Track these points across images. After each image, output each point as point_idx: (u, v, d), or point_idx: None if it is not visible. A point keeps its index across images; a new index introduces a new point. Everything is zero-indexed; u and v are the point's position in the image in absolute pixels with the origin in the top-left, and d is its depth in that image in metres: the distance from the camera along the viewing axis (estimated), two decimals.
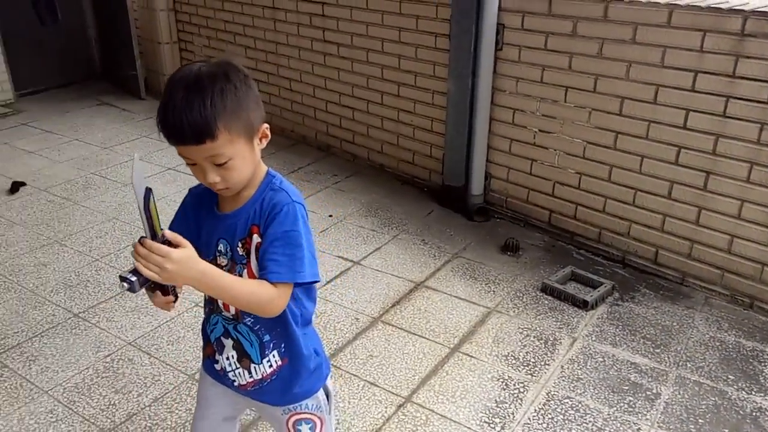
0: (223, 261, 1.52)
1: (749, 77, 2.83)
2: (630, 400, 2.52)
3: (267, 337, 1.57)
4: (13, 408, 2.50)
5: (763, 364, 2.72)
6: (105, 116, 5.72)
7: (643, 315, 3.03)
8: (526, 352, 2.78)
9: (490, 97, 3.62)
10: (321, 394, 1.68)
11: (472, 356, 2.76)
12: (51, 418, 2.45)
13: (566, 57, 3.32)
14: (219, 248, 1.52)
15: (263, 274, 1.43)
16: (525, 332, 2.91)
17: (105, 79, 6.67)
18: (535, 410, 2.47)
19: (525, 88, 3.52)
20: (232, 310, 1.56)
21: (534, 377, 2.64)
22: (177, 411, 2.48)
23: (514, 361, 2.73)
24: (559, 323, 2.96)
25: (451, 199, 3.93)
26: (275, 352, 1.58)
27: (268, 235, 1.44)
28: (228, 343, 1.60)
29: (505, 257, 3.48)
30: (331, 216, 3.91)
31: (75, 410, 2.49)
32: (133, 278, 1.30)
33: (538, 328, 2.93)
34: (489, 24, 3.44)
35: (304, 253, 1.43)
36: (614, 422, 2.42)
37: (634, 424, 2.41)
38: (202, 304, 3.01)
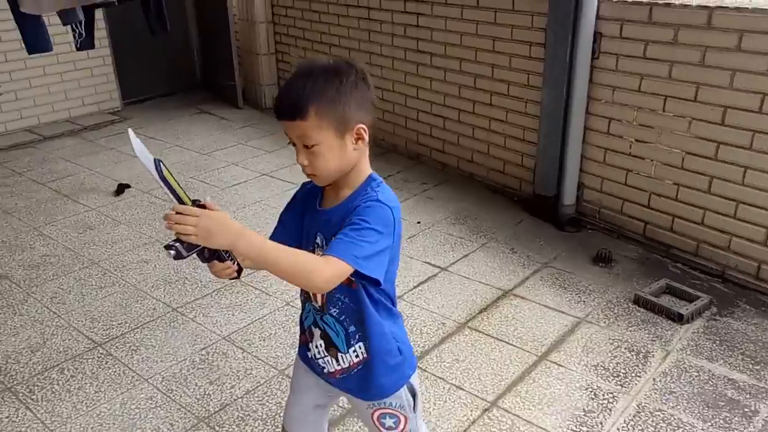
0: (319, 253, 1.56)
1: None
2: (726, 416, 2.43)
3: (352, 329, 1.61)
4: (117, 393, 2.63)
5: None
6: (204, 124, 5.98)
7: (742, 331, 2.91)
8: (617, 363, 2.72)
9: (585, 106, 3.59)
10: (404, 392, 1.69)
11: (560, 365, 2.72)
12: (150, 404, 2.57)
13: (666, 65, 3.25)
14: (317, 241, 1.59)
15: (331, 250, 1.44)
16: (616, 343, 2.85)
17: (205, 88, 6.98)
18: (625, 421, 2.42)
19: (622, 97, 3.47)
20: (318, 301, 1.62)
21: (624, 388, 2.58)
22: (268, 404, 2.56)
23: (603, 372, 2.68)
24: (651, 336, 2.89)
25: (542, 208, 3.90)
26: (361, 344, 1.63)
27: (345, 227, 1.46)
28: (316, 332, 1.66)
29: (596, 268, 3.42)
30: (419, 223, 3.95)
31: (172, 398, 2.60)
32: (177, 244, 1.35)
33: (629, 340, 2.87)
34: (586, 33, 3.42)
35: (369, 246, 1.44)
36: None
37: None
38: (294, 303, 3.12)
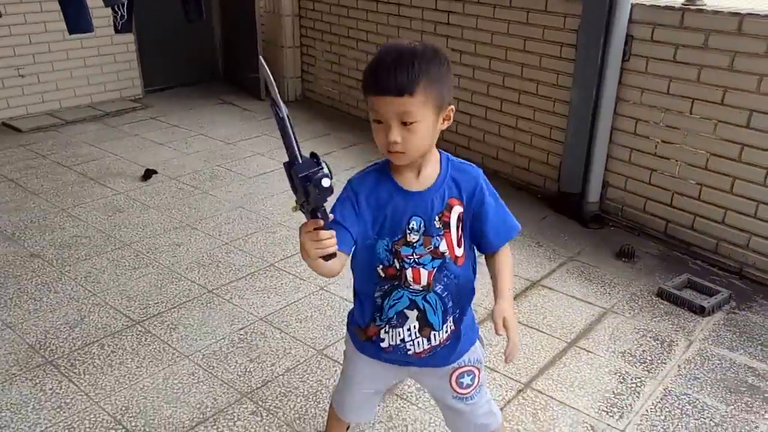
0: (414, 237, 1.62)
1: None
2: (748, 401, 2.55)
3: (450, 303, 1.69)
4: (158, 368, 2.71)
5: None
6: (227, 114, 6.07)
7: (760, 324, 3.03)
8: (643, 351, 2.83)
9: (613, 106, 3.69)
10: (478, 345, 1.83)
11: (589, 351, 2.83)
12: (193, 379, 2.65)
13: (695, 69, 3.36)
14: (411, 225, 1.62)
15: (500, 240, 1.70)
16: (641, 332, 2.96)
17: (226, 80, 7.06)
18: (653, 404, 2.53)
19: (650, 98, 3.58)
20: (423, 281, 1.66)
21: (651, 374, 2.69)
22: (308, 381, 2.65)
23: (630, 358, 2.78)
24: (675, 326, 3.00)
25: (567, 205, 4.01)
26: (451, 318, 1.72)
27: (486, 209, 1.66)
28: (412, 314, 1.69)
29: (620, 263, 3.54)
30: None
31: (214, 374, 2.68)
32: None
33: (654, 330, 2.98)
34: (618, 35, 3.52)
35: (508, 212, 1.72)
36: (732, 419, 2.45)
37: (752, 422, 2.44)
38: (327, 288, 3.21)
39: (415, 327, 1.71)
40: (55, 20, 5.25)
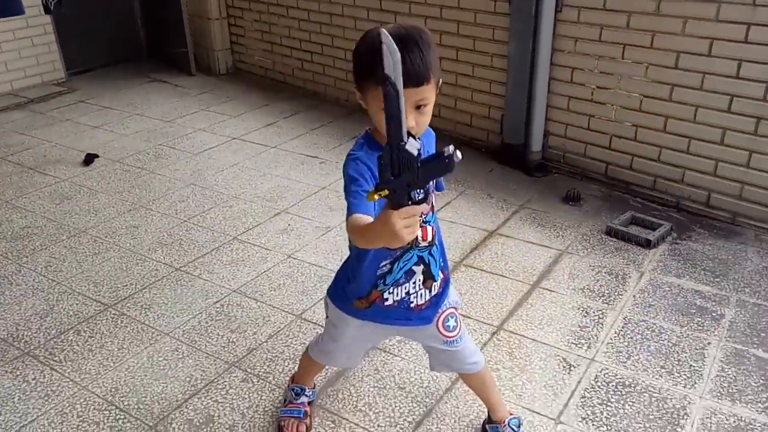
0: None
1: None
2: (698, 321, 2.80)
3: (441, 250, 1.88)
4: (140, 348, 2.74)
5: None
6: (160, 92, 5.97)
7: (701, 251, 3.30)
8: (600, 285, 3.05)
9: (549, 57, 3.86)
10: (452, 287, 1.99)
11: (551, 290, 3.03)
12: (177, 354, 2.70)
13: (625, 16, 3.55)
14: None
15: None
16: (596, 269, 3.18)
17: (151, 57, 6.91)
18: (616, 332, 2.75)
19: (583, 47, 3.76)
20: (429, 237, 1.80)
21: (610, 306, 2.91)
22: (293, 345, 2.74)
23: (590, 293, 3.00)
24: (626, 260, 3.23)
25: (511, 156, 4.19)
26: (440, 266, 1.89)
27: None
28: (418, 269, 1.83)
29: (567, 206, 3.75)
30: None
31: (198, 348, 2.73)
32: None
33: (607, 265, 3.20)
34: None
35: None
36: (687, 338, 2.70)
37: (704, 339, 2.69)
38: (295, 256, 3.29)
39: (420, 280, 1.85)
40: None
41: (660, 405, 2.37)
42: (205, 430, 2.32)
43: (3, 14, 3.64)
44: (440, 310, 1.95)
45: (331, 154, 4.54)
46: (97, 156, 4.59)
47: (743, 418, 2.31)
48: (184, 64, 6.32)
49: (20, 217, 3.82)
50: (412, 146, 1.28)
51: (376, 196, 1.34)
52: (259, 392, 2.48)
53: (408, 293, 1.87)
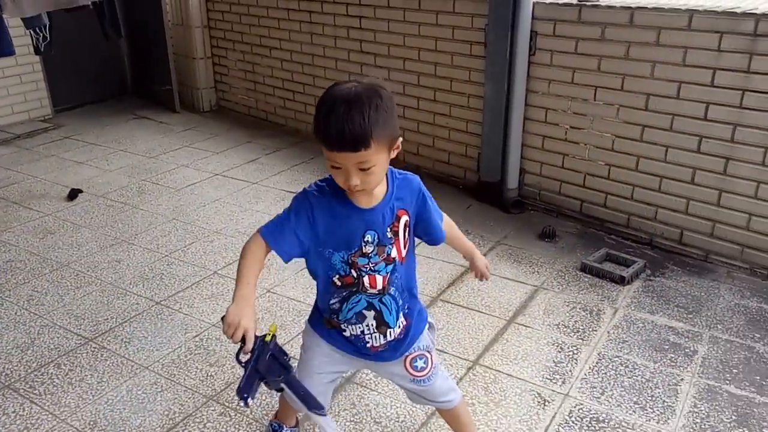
0: (369, 248, 1.79)
1: (762, 72, 3.19)
2: (672, 357, 2.86)
3: (401, 302, 1.89)
4: (119, 382, 2.76)
5: None
6: (144, 129, 6.04)
7: (674, 288, 3.37)
8: (575, 321, 3.11)
9: (524, 98, 3.98)
10: (426, 331, 2.02)
11: (527, 326, 3.09)
12: (156, 388, 2.72)
13: (595, 59, 3.68)
14: (366, 239, 1.78)
15: (438, 234, 1.97)
16: (571, 305, 3.24)
17: (136, 94, 7.00)
18: (590, 368, 2.80)
19: (557, 88, 3.88)
20: (379, 285, 1.84)
21: (584, 341, 2.97)
22: None
23: (565, 329, 3.06)
24: (600, 296, 3.30)
25: (488, 194, 4.28)
26: (402, 314, 1.91)
27: (429, 209, 1.90)
28: (370, 314, 1.87)
29: (543, 243, 3.83)
30: None
31: (177, 381, 2.75)
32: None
33: (582, 301, 3.27)
34: (523, 32, 3.81)
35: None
36: (660, 374, 2.75)
37: (678, 375, 2.75)
38: (274, 291, 3.33)
39: (372, 324, 1.90)
40: None
41: None
42: None
43: None
44: (407, 353, 1.98)
45: None
46: (81, 191, 4.63)
47: None
48: (168, 102, 6.41)
49: (4, 251, 3.85)
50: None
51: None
52: (237, 426, 2.50)
53: (363, 333, 1.91)
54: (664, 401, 2.60)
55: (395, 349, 1.96)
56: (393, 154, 1.72)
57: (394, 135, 1.68)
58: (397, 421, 2.51)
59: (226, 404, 2.62)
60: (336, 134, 1.58)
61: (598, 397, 2.62)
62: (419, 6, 4.41)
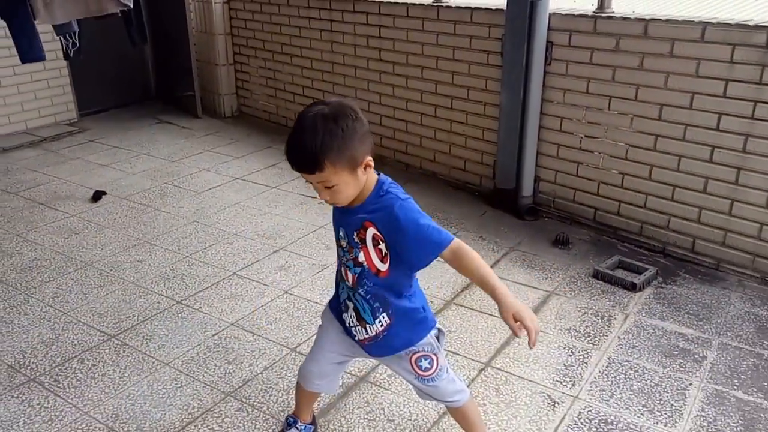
0: (343, 243, 1.98)
1: None
2: (681, 362, 2.90)
3: (376, 304, 1.99)
4: (141, 377, 2.85)
5: None
6: (167, 133, 6.17)
7: (685, 295, 3.42)
8: (586, 326, 3.17)
9: (539, 107, 4.05)
10: (431, 338, 2.08)
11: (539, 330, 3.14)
12: (176, 384, 2.80)
13: (610, 70, 3.74)
14: (340, 233, 1.98)
15: (423, 261, 1.86)
16: (583, 310, 3.29)
17: (159, 99, 7.14)
18: (600, 371, 2.85)
19: (572, 98, 3.94)
20: (350, 281, 2.00)
21: (595, 346, 3.02)
22: (287, 377, 2.84)
23: (576, 333, 3.11)
24: (612, 303, 3.35)
25: (503, 200, 4.35)
26: (384, 314, 2.00)
27: (405, 236, 1.83)
28: (350, 305, 2.04)
29: (556, 250, 3.88)
30: None
31: (196, 378, 2.84)
32: None
33: (593, 307, 3.32)
34: (539, 42, 3.88)
35: (434, 228, 1.84)
36: (669, 379, 2.80)
37: (686, 380, 2.79)
38: (291, 292, 3.41)
39: (353, 316, 2.04)
40: None
41: None
42: None
43: (26, 60, 3.83)
44: (413, 349, 2.06)
45: None
46: (104, 193, 4.75)
47: None
48: (191, 107, 6.54)
49: (30, 250, 3.96)
50: None
51: None
52: (254, 421, 2.57)
53: (349, 324, 2.07)
54: (672, 405, 2.65)
55: (382, 347, 2.06)
56: (365, 173, 1.83)
57: (357, 157, 1.77)
58: (410, 420, 2.58)
59: (243, 400, 2.69)
60: (290, 157, 1.77)
61: (607, 400, 2.67)
62: (438, 16, 4.50)
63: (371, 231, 1.89)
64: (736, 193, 3.48)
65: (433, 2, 4.55)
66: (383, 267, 1.93)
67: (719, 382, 2.78)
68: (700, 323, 3.18)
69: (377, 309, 2.00)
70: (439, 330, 2.12)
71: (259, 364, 2.92)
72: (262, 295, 3.45)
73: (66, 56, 4.33)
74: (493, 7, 4.21)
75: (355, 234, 1.92)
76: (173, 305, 3.38)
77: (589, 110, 3.90)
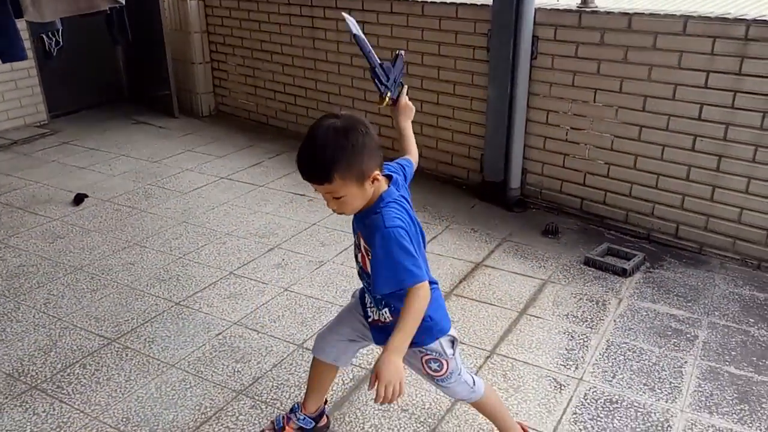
0: (354, 239, 2.10)
1: (753, 74, 3.37)
2: (675, 342, 3.03)
3: (378, 296, 2.07)
4: (147, 379, 2.83)
5: None
6: (144, 134, 6.11)
7: (672, 278, 3.55)
8: (583, 311, 3.27)
9: (526, 100, 4.13)
10: (437, 345, 2.11)
11: (538, 317, 3.23)
12: (185, 385, 2.80)
13: (595, 63, 3.84)
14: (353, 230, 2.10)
15: (383, 287, 1.91)
16: (578, 296, 3.40)
17: (133, 100, 7.04)
18: (600, 354, 2.95)
19: (558, 91, 4.04)
20: (357, 269, 2.13)
21: (593, 330, 3.12)
22: (297, 372, 2.87)
23: (574, 319, 3.21)
24: (605, 288, 3.46)
25: (491, 193, 4.43)
26: (386, 309, 2.10)
27: (374, 255, 1.88)
28: (365, 287, 2.17)
29: (546, 239, 3.98)
30: None
31: (205, 378, 2.84)
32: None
33: (588, 293, 3.42)
34: (526, 37, 3.96)
35: (401, 265, 1.84)
36: (665, 358, 2.92)
37: (681, 358, 2.92)
38: (291, 289, 3.43)
39: (368, 297, 2.16)
40: None
41: (645, 419, 2.57)
42: None
43: (7, 60, 3.77)
44: (422, 350, 2.11)
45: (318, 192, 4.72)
46: (86, 196, 4.68)
47: (721, 429, 2.52)
48: (166, 107, 6.48)
49: (14, 256, 3.89)
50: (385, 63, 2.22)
51: (384, 103, 2.25)
52: (269, 418, 2.59)
53: (368, 303, 2.17)
54: (670, 382, 2.76)
55: (383, 335, 2.07)
56: (372, 186, 1.90)
57: (365, 170, 1.85)
58: (423, 408, 2.64)
59: (256, 397, 2.71)
60: (301, 167, 1.85)
61: (610, 381, 2.78)
62: (422, 12, 4.55)
63: (362, 241, 2.00)
64: (717, 179, 3.62)
65: None
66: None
67: (712, 359, 2.90)
68: (689, 304, 3.31)
69: (380, 302, 2.09)
70: (454, 337, 2.17)
71: (268, 362, 2.94)
72: (262, 294, 3.47)
73: (48, 55, 4.26)
74: (479, 3, 4.28)
75: (356, 236, 2.06)
76: (172, 307, 3.38)
77: (575, 103, 4.00)
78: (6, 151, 5.69)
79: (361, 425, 2.56)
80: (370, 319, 2.19)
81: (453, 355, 2.16)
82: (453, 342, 2.17)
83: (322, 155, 1.79)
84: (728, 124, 3.51)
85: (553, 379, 2.80)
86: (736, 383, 2.76)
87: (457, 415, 2.60)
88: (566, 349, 2.99)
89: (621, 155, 3.91)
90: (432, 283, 2.04)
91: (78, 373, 2.87)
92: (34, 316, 3.29)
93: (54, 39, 4.07)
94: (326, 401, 2.53)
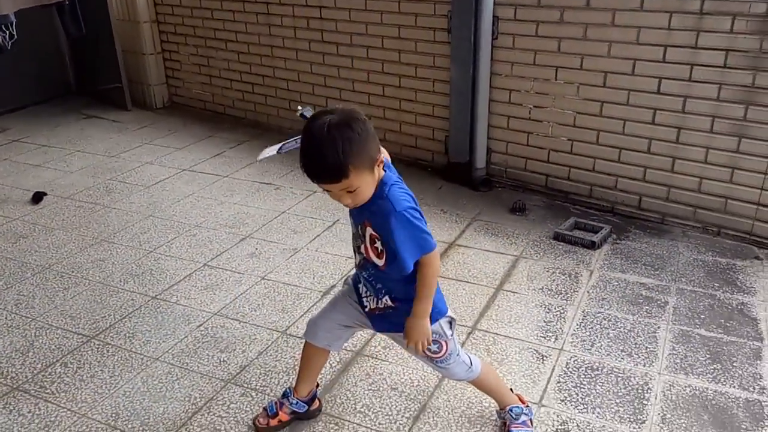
0: (353, 229, 2.13)
1: (708, 47, 3.50)
2: (647, 309, 3.15)
3: (379, 285, 2.13)
4: (132, 374, 2.81)
5: (737, 273, 3.43)
6: (97, 128, 5.97)
7: (639, 248, 3.68)
8: (556, 284, 3.37)
9: (489, 81, 4.20)
10: (437, 326, 2.17)
11: (514, 292, 3.32)
12: (171, 377, 2.79)
13: (555, 41, 3.93)
14: (351, 218, 2.12)
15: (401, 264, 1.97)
16: (551, 270, 3.50)
17: (81, 94, 6.86)
18: (577, 324, 3.06)
19: (519, 70, 4.12)
20: (357, 262, 2.17)
21: (568, 301, 3.23)
22: (283, 358, 2.89)
23: (549, 292, 3.31)
24: (575, 261, 3.57)
25: (457, 174, 4.50)
26: (386, 297, 2.14)
27: (393, 239, 1.93)
28: (361, 279, 2.20)
29: (515, 217, 4.08)
30: None
31: (191, 369, 2.83)
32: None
33: (560, 266, 3.53)
34: (486, 17, 4.02)
35: (420, 237, 1.97)
36: (639, 325, 3.04)
37: (654, 324, 3.05)
38: (268, 278, 3.43)
39: (364, 289, 2.19)
40: None
41: (626, 383, 2.68)
42: None
43: None
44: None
45: (285, 180, 4.72)
46: (45, 194, 4.57)
47: (697, 388, 2.65)
48: (118, 100, 6.34)
49: None
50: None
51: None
52: (261, 404, 2.61)
53: (362, 293, 2.22)
54: (646, 347, 2.88)
55: (389, 323, 2.19)
56: (378, 170, 1.93)
57: (373, 156, 1.87)
58: (412, 386, 2.69)
59: (245, 385, 2.72)
60: (313, 171, 1.83)
61: (589, 349, 2.88)
62: None
63: (369, 230, 2.01)
64: (677, 151, 3.75)
65: None
66: (380, 263, 2.05)
67: (683, 323, 3.04)
68: (657, 272, 3.44)
69: (380, 290, 2.14)
70: (452, 318, 2.24)
71: (253, 350, 2.95)
72: (239, 284, 3.46)
73: (1, 49, 4.13)
74: None
75: (359, 227, 2.06)
76: (149, 301, 3.35)
77: (536, 81, 4.08)
78: None
79: (353, 405, 2.60)
80: (366, 309, 2.22)
81: (452, 335, 2.22)
82: (451, 323, 2.23)
83: (334, 152, 1.77)
84: (686, 96, 3.64)
85: (535, 350, 2.89)
86: (708, 344, 2.90)
87: (446, 390, 2.66)
88: (544, 321, 3.08)
89: (583, 131, 4.02)
90: None
91: (60, 372, 2.83)
92: (6, 318, 3.22)
93: (8, 32, 3.95)
94: (318, 384, 2.56)
